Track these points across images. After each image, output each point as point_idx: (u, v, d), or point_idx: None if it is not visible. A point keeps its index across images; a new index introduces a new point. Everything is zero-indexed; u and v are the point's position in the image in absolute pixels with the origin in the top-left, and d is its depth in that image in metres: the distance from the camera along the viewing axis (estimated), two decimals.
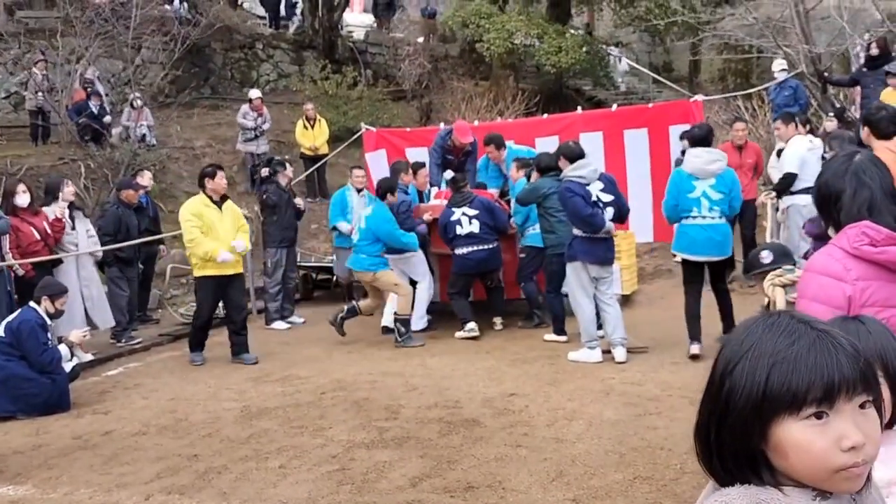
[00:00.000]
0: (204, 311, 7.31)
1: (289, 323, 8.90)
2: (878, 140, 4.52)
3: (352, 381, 6.27)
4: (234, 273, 7.22)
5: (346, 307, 7.86)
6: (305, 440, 4.90)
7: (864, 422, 1.02)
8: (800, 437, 1.01)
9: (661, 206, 6.70)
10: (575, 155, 6.54)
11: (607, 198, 6.42)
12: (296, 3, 20.01)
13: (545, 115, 11.15)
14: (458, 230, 7.62)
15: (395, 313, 7.62)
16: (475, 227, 7.58)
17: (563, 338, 7.15)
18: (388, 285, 7.65)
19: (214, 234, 7.05)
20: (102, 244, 8.03)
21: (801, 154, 7.44)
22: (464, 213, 7.63)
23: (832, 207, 2.41)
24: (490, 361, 6.68)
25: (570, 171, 6.45)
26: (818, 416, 1.01)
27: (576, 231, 6.41)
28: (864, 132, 4.73)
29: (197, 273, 7.19)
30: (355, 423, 5.18)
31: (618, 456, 4.39)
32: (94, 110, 12.50)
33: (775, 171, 7.87)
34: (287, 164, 9.49)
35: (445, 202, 8.04)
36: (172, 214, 12.31)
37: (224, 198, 7.30)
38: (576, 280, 6.48)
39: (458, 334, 7.64)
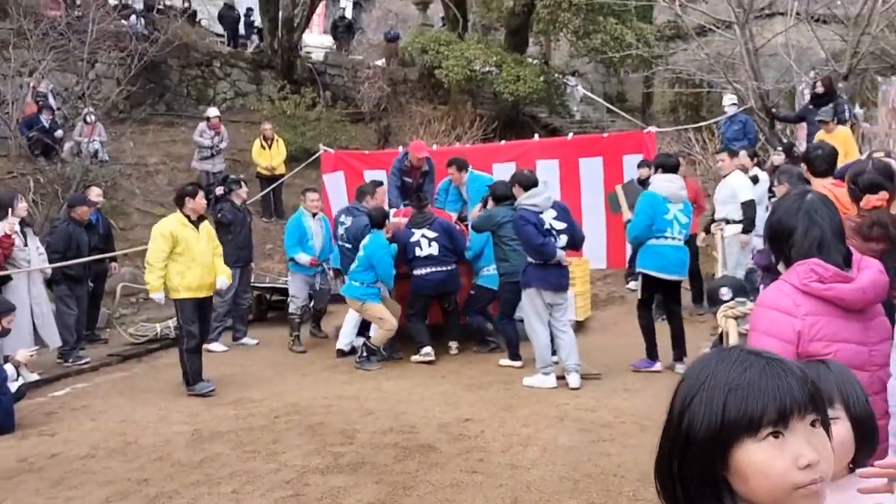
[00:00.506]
0: (193, 332, 6.85)
1: (241, 344, 8.78)
2: (815, 178, 4.70)
3: (306, 405, 6.22)
4: (205, 297, 6.99)
5: (363, 350, 7.69)
6: (258, 465, 4.84)
7: (816, 441, 1.09)
8: (759, 459, 1.07)
9: (618, 229, 6.88)
10: (529, 183, 6.66)
11: (560, 225, 6.53)
12: (254, 21, 19.99)
13: (502, 142, 11.30)
14: (418, 252, 7.65)
15: (368, 339, 7.63)
16: (434, 249, 7.63)
17: (518, 363, 7.21)
18: (373, 317, 7.64)
19: (191, 254, 6.82)
20: (51, 261, 7.86)
21: (749, 183, 7.70)
22: (423, 235, 7.66)
23: (784, 244, 2.51)
24: (446, 386, 6.69)
25: (524, 199, 6.57)
26: (775, 435, 1.07)
27: (529, 258, 6.52)
28: (804, 168, 4.93)
29: (174, 296, 6.85)
30: (310, 448, 5.14)
31: (572, 482, 4.44)
32: (46, 124, 12.26)
33: (717, 204, 8.02)
34: (243, 183, 9.41)
35: (404, 220, 8.06)
36: (124, 232, 12.14)
37: (201, 218, 7.07)
38: (531, 307, 6.57)
39: (414, 358, 7.64)
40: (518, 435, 5.30)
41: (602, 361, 7.26)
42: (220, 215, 8.75)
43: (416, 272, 7.73)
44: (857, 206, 3.54)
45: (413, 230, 7.75)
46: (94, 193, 9.09)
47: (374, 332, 7.69)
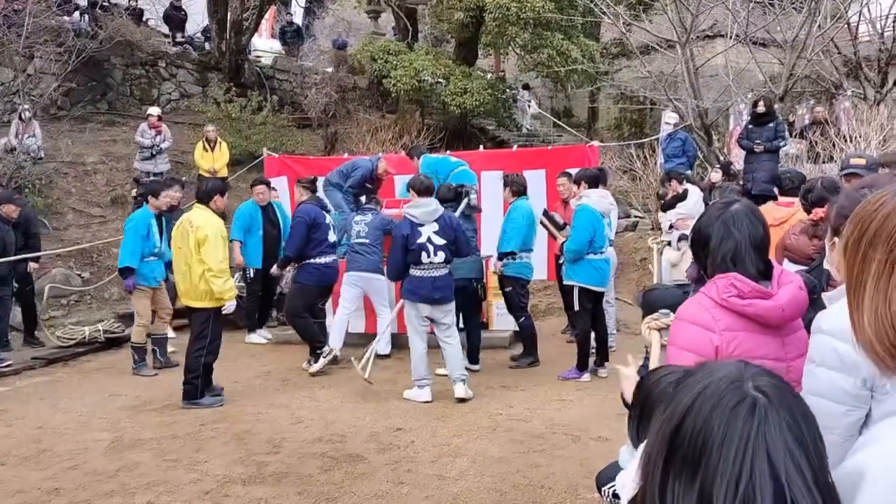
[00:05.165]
0: (215, 344, 6.49)
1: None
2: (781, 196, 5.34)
3: (235, 413, 6.07)
4: (220, 306, 6.48)
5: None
6: (179, 474, 4.69)
7: None
8: None
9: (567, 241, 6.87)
10: (423, 189, 6.50)
11: (439, 241, 6.34)
12: (184, 19, 19.15)
13: (448, 152, 11.28)
14: (329, 237, 7.50)
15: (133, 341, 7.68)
16: (335, 236, 7.57)
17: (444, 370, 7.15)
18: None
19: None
20: None
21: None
22: (332, 222, 7.56)
23: (701, 252, 2.51)
24: (379, 394, 6.60)
25: (408, 207, 6.50)
26: None
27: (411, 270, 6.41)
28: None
29: (196, 304, 6.37)
30: (234, 457, 5.00)
31: (499, 494, 4.40)
32: None
33: None
34: (174, 184, 9.02)
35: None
36: (58, 232, 11.76)
37: None
38: (407, 317, 6.50)
39: (314, 368, 7.33)
40: (449, 445, 5.25)
41: (539, 371, 7.28)
42: None
43: (322, 260, 7.43)
44: (808, 216, 4.16)
45: (324, 213, 7.61)
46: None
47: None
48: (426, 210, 6.36)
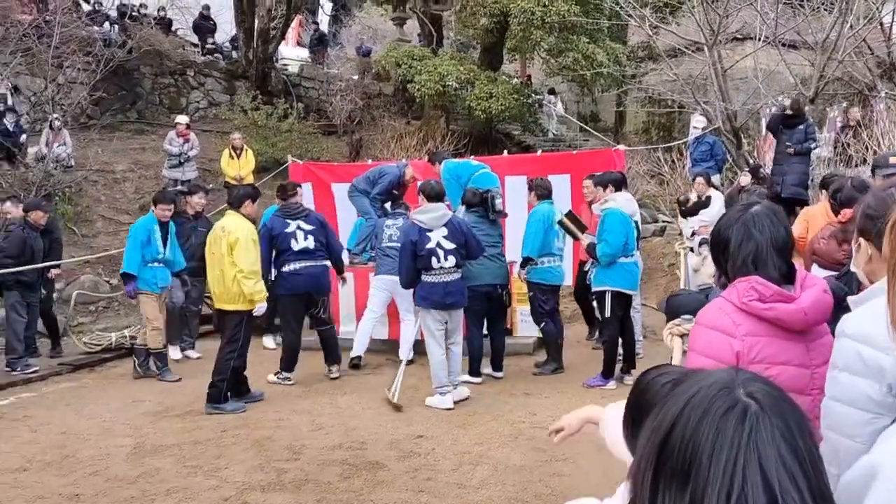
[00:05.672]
0: (245, 347, 6.55)
1: (186, 356, 8.55)
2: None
3: (256, 419, 6.06)
4: (252, 308, 6.58)
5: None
6: (198, 481, 4.68)
7: None
8: None
9: (601, 245, 6.75)
10: (434, 194, 6.47)
11: (449, 245, 6.30)
12: (213, 28, 19.39)
13: (472, 157, 11.22)
14: (294, 244, 7.23)
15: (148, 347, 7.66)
16: (310, 242, 7.27)
17: (478, 379, 7.10)
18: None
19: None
20: (3, 267, 7.64)
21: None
22: (299, 227, 7.29)
23: (721, 255, 2.42)
24: (401, 401, 6.53)
25: (416, 213, 6.45)
26: None
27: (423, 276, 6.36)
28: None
29: (229, 307, 6.44)
30: (254, 464, 4.98)
31: None
32: (10, 127, 12.04)
33: None
34: (198, 191, 9.11)
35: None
36: (87, 239, 11.91)
37: None
38: (424, 325, 6.47)
39: (270, 378, 7.29)
40: (470, 453, 5.18)
41: (564, 378, 7.18)
42: None
43: (286, 268, 7.22)
44: (836, 217, 4.08)
45: (288, 220, 7.30)
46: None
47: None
48: (434, 216, 6.33)
